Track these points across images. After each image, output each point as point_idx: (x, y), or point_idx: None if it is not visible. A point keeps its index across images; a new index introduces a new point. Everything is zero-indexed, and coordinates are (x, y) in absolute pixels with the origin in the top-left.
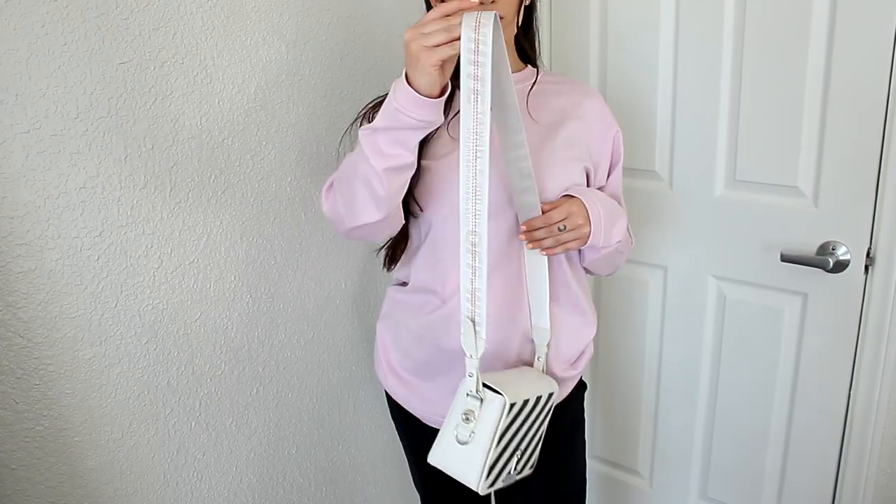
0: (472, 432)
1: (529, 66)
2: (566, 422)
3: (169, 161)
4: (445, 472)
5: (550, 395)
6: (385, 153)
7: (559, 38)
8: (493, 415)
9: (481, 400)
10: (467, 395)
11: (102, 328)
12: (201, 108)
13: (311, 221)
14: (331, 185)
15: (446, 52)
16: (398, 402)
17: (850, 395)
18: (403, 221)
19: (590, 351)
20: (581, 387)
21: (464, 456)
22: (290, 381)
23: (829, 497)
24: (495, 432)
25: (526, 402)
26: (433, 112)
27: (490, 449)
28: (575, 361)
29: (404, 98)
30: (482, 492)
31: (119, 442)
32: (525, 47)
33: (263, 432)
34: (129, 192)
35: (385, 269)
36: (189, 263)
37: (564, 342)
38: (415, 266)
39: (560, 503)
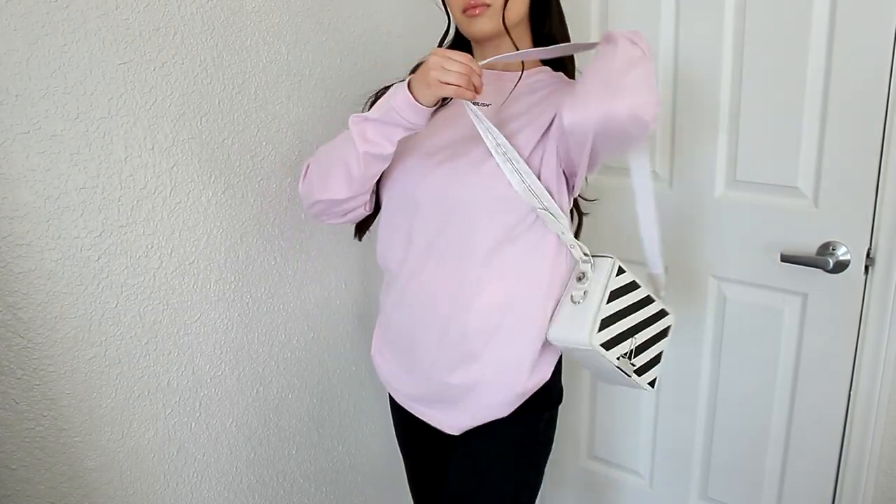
0: (585, 291)
1: (546, 66)
2: (502, 441)
3: (169, 161)
4: (561, 343)
5: (661, 313)
6: (369, 140)
7: None
8: (603, 273)
9: (592, 263)
10: (581, 259)
11: (102, 328)
12: (201, 108)
13: (311, 221)
14: (308, 167)
15: (452, 90)
16: (380, 379)
17: (850, 395)
18: (365, 212)
19: (554, 351)
20: (543, 398)
21: (577, 315)
22: (290, 381)
23: (829, 497)
24: (605, 287)
25: (633, 283)
26: (423, 118)
27: (599, 307)
28: (532, 366)
29: (402, 101)
30: (594, 344)
31: (119, 442)
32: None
33: (263, 432)
34: (129, 192)
35: (356, 238)
36: (189, 263)
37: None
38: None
39: None
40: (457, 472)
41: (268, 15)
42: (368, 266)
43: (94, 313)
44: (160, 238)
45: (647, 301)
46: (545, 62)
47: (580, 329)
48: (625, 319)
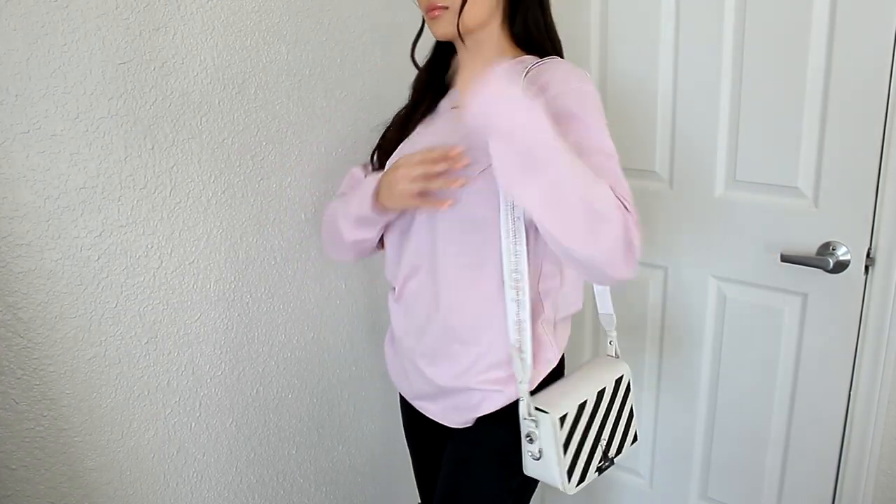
0: (540, 449)
1: (529, 56)
2: (489, 444)
3: (169, 161)
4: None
5: (618, 380)
6: (353, 231)
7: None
8: (547, 432)
9: (535, 421)
10: (523, 419)
11: (102, 328)
12: (201, 108)
13: (311, 221)
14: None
15: (420, 201)
16: (388, 372)
17: (850, 395)
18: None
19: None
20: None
21: (544, 469)
22: (290, 381)
23: (829, 497)
24: (556, 446)
25: (582, 405)
26: (392, 217)
27: (559, 461)
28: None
29: (371, 209)
30: (572, 492)
31: (119, 442)
32: (515, 40)
33: (263, 433)
34: (129, 192)
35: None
36: (189, 263)
37: (488, 339)
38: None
39: None
40: (445, 473)
41: (268, 15)
42: (368, 266)
43: (94, 313)
44: (160, 238)
45: (599, 395)
46: (528, 51)
47: (552, 480)
48: (585, 443)
